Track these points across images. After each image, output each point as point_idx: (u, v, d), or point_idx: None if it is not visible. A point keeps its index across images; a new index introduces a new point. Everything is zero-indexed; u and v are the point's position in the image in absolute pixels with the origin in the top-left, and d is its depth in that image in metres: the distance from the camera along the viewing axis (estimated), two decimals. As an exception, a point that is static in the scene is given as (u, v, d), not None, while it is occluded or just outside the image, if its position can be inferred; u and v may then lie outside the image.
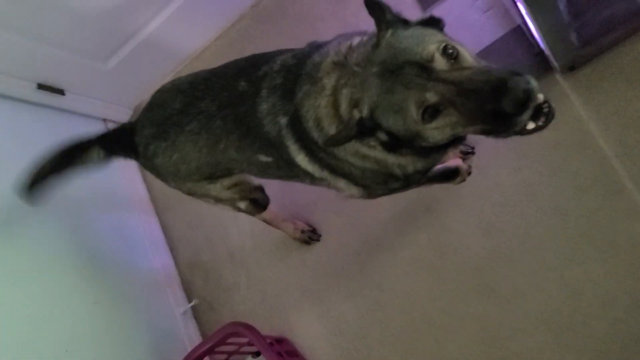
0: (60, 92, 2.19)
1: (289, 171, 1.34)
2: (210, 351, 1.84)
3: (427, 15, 1.06)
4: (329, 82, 1.11)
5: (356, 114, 1.02)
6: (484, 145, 1.71)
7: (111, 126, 2.49)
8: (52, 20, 1.89)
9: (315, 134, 1.16)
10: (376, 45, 1.01)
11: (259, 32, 2.25)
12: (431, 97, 0.90)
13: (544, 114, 0.90)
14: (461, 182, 1.73)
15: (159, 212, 2.43)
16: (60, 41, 2.00)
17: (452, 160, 1.71)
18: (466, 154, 1.73)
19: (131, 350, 1.90)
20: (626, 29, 1.47)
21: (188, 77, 1.44)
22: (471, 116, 0.89)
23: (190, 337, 2.18)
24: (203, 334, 2.22)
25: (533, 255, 1.60)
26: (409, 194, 1.79)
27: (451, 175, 1.68)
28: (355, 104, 1.03)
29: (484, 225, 1.68)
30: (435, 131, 0.96)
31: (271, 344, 1.79)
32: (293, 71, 1.20)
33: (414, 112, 0.93)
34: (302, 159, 1.26)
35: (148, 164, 1.50)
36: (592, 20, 1.35)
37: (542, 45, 1.50)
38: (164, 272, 2.28)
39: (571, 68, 1.58)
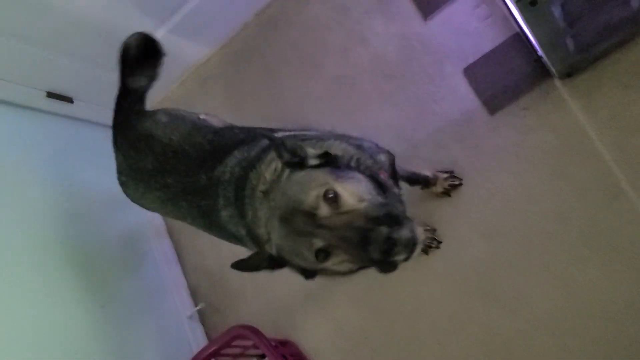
0: (69, 100, 2.23)
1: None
2: (215, 354, 1.86)
3: (321, 151, 1.11)
4: (262, 214, 1.18)
5: (267, 249, 1.12)
6: (484, 149, 1.74)
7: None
8: (61, 30, 1.94)
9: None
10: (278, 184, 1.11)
11: (263, 39, 2.29)
12: (318, 243, 0.97)
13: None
14: (437, 194, 1.78)
15: (165, 218, 2.47)
16: (68, 50, 2.05)
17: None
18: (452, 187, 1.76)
19: (138, 352, 1.93)
20: (622, 35, 1.49)
21: (164, 136, 1.51)
22: (357, 258, 0.96)
23: (197, 340, 2.21)
24: (209, 337, 2.26)
25: (534, 260, 1.62)
26: (410, 200, 1.83)
27: (422, 182, 1.73)
28: (266, 240, 1.14)
29: (485, 230, 1.71)
30: (335, 266, 1.02)
31: (276, 346, 1.82)
32: (239, 185, 1.27)
33: (308, 256, 0.99)
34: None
35: (117, 175, 1.66)
36: (588, 27, 1.37)
37: (539, 52, 1.53)
38: (171, 276, 2.32)
39: (569, 74, 1.61)
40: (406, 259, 0.95)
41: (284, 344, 1.97)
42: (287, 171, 1.09)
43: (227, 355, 1.95)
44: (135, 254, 2.25)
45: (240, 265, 1.12)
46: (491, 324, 1.66)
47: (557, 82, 1.65)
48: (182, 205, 1.44)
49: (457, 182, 1.75)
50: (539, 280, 1.61)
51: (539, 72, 1.66)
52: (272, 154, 1.21)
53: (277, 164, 1.16)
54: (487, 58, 1.76)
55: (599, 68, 1.58)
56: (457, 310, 1.73)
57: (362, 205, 0.98)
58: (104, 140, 2.40)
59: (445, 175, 1.75)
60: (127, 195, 1.65)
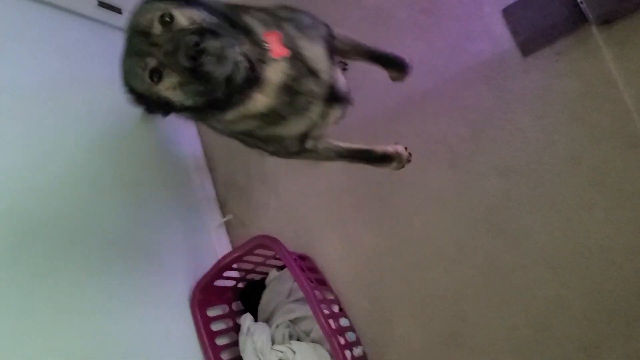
0: (118, 10, 2.33)
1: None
2: (238, 259, 2.04)
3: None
4: None
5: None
6: (512, 90, 1.78)
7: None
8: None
9: None
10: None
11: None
12: (150, 61, 1.01)
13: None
14: (399, 168, 1.84)
15: (201, 133, 2.61)
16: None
17: (390, 145, 1.81)
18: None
19: (168, 253, 2.10)
20: (665, -15, 1.49)
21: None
22: (182, 75, 1.00)
23: (222, 248, 2.39)
24: (233, 246, 2.43)
25: (543, 198, 1.70)
26: (432, 134, 1.90)
27: (378, 160, 1.79)
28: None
29: (501, 167, 1.78)
30: (170, 92, 1.05)
31: (295, 259, 1.97)
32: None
33: (143, 77, 1.03)
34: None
35: None
36: (629, -26, 1.37)
37: (579, -4, 1.53)
38: (203, 188, 2.48)
39: (607, 21, 1.61)
40: (223, 75, 1.00)
41: (302, 257, 2.12)
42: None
43: (249, 262, 2.13)
44: (172, 166, 2.41)
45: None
46: (495, 255, 1.77)
47: (594, 29, 1.65)
48: None
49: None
50: (545, 218, 1.69)
51: (577, 18, 1.66)
52: None
53: None
54: (525, 1, 1.76)
55: (637, 18, 1.58)
56: (465, 240, 1.84)
57: (194, 25, 1.03)
58: None
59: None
60: None
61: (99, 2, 2.22)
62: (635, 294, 1.55)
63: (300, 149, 1.39)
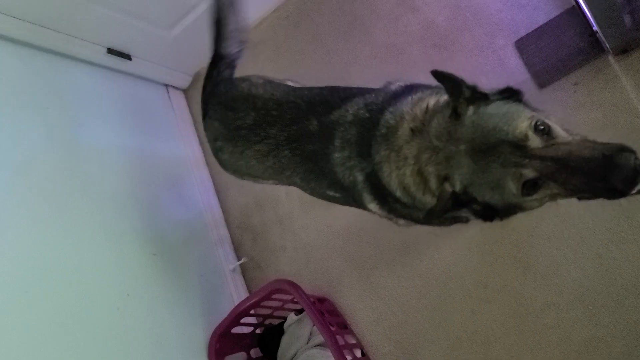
0: (128, 57, 2.34)
1: (354, 205, 1.41)
2: (256, 305, 1.97)
3: (503, 86, 1.07)
4: (410, 152, 1.12)
5: (448, 188, 1.04)
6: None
7: (172, 92, 2.65)
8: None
9: (401, 196, 1.20)
10: (455, 119, 1.03)
11: (314, 4, 2.32)
12: (529, 173, 0.93)
13: None
14: None
15: (213, 175, 2.58)
16: (129, 9, 2.13)
17: None
18: None
19: (184, 299, 2.04)
20: (684, 12, 1.46)
21: (265, 93, 1.50)
22: (575, 189, 0.93)
23: (238, 292, 2.33)
24: (250, 290, 2.38)
25: (572, 233, 1.64)
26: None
27: None
28: (444, 178, 1.06)
29: (525, 202, 1.73)
30: (535, 201, 1.00)
31: (313, 302, 1.91)
32: (366, 127, 1.23)
33: (513, 188, 0.95)
34: (373, 206, 1.32)
35: (210, 144, 1.64)
36: (647, 3, 1.35)
37: (595, 27, 1.51)
38: (217, 231, 2.44)
39: (623, 50, 1.59)
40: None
41: (321, 300, 2.06)
42: (470, 108, 1.03)
43: (267, 307, 2.07)
44: (186, 209, 2.38)
45: (431, 215, 1.08)
46: (524, 294, 1.70)
47: (611, 58, 1.63)
48: (284, 154, 1.41)
49: None
50: (574, 254, 1.63)
51: (593, 47, 1.64)
52: (414, 96, 1.19)
53: (429, 103, 1.14)
54: (540, 31, 1.74)
55: (656, 45, 1.55)
56: (492, 279, 1.77)
57: (577, 138, 0.97)
58: (156, 96, 2.56)
59: None
60: (222, 162, 1.65)
61: (108, 49, 2.22)
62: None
63: None
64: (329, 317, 1.96)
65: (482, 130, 0.98)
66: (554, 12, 1.73)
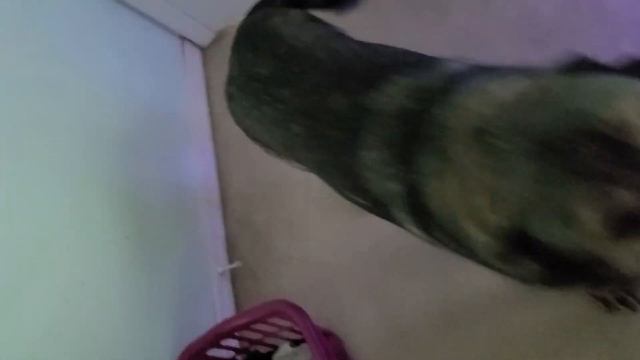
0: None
1: (382, 215, 1.00)
2: (246, 326, 1.55)
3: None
4: (469, 163, 0.69)
5: (494, 221, 0.64)
6: None
7: (188, 48, 2.24)
8: None
9: (445, 223, 0.79)
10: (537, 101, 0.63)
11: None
12: (625, 197, 0.51)
13: None
14: None
15: (217, 152, 2.16)
16: None
17: None
18: None
19: (154, 300, 1.64)
20: None
21: (292, 38, 1.12)
22: None
23: (223, 302, 1.90)
24: (237, 301, 1.94)
25: None
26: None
27: None
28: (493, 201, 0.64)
29: None
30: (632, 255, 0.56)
31: (321, 338, 1.47)
32: (412, 123, 0.82)
33: (588, 220, 0.54)
34: (408, 225, 0.91)
35: (225, 85, 1.29)
36: None
37: None
38: (209, 222, 2.01)
39: None
40: None
41: (327, 335, 1.62)
42: (560, 77, 0.64)
43: (257, 331, 1.62)
44: (178, 187, 1.96)
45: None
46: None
47: None
48: (294, 130, 1.04)
49: None
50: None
51: None
52: (481, 83, 0.76)
53: (503, 97, 0.70)
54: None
55: None
56: (527, 331, 1.33)
57: None
58: (168, 47, 2.15)
59: None
60: (232, 112, 1.31)
61: None
62: None
63: None
64: (334, 358, 1.52)
65: (563, 114, 0.57)
66: None
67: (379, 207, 0.95)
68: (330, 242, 1.79)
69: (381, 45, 1.04)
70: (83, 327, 1.35)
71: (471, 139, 0.69)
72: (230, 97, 1.27)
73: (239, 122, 1.30)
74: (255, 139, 1.30)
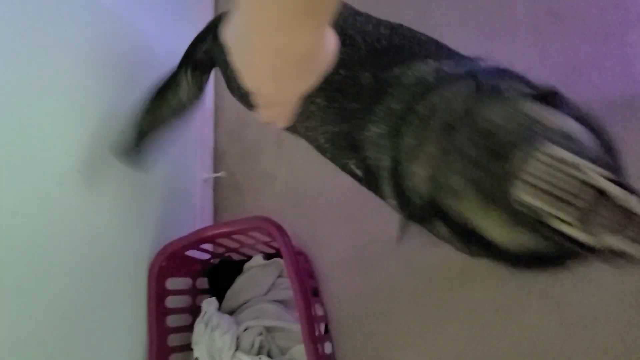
0: None
1: (376, 194, 1.03)
2: (227, 235, 1.62)
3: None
4: (433, 150, 0.79)
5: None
6: None
7: None
8: None
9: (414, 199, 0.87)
10: None
11: None
12: None
13: None
14: None
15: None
16: None
17: None
18: None
19: (142, 193, 1.67)
20: None
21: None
22: None
23: (203, 208, 1.96)
24: (217, 210, 2.01)
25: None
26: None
27: None
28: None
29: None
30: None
31: (297, 256, 1.57)
32: (416, 100, 0.85)
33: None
34: (393, 204, 0.94)
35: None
36: None
37: None
38: (200, 129, 2.01)
39: None
40: None
41: (298, 254, 1.72)
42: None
43: (237, 241, 1.71)
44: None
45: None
46: (543, 340, 1.42)
47: None
48: (315, 101, 1.01)
49: None
50: None
51: None
52: (495, 82, 0.82)
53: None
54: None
55: None
56: (502, 304, 1.48)
57: None
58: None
59: None
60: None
61: None
62: None
63: None
64: (304, 276, 1.64)
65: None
66: None
67: (371, 183, 0.99)
68: (314, 166, 1.84)
69: (418, 35, 1.03)
70: (73, 211, 1.37)
71: (440, 132, 0.78)
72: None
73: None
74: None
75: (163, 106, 1.45)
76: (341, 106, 0.98)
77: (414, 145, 0.82)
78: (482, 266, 1.51)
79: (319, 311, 1.67)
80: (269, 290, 1.77)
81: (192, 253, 1.70)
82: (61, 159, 1.35)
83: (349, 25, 1.02)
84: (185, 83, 1.41)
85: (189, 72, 1.40)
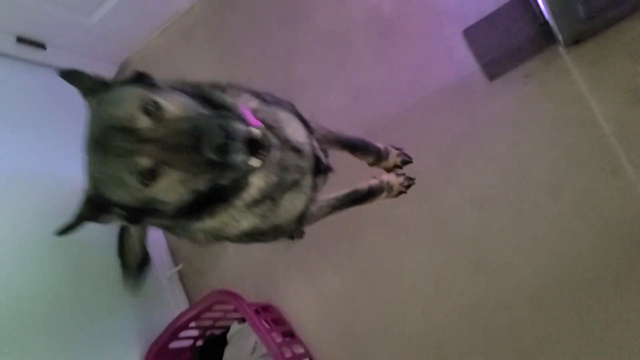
0: (42, 46, 2.08)
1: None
2: (195, 318, 1.83)
3: (131, 73, 0.95)
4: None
5: (86, 192, 0.92)
6: (481, 116, 1.67)
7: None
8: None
9: None
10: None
11: (250, -13, 2.15)
12: (142, 161, 0.81)
13: (264, 148, 0.85)
14: (393, 197, 1.68)
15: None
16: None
17: (373, 178, 1.62)
18: (404, 164, 1.71)
19: (116, 310, 1.87)
20: (633, 3, 1.41)
21: None
22: (189, 170, 0.83)
23: (177, 300, 2.17)
24: (190, 297, 2.22)
25: (524, 230, 1.59)
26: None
27: (367, 197, 1.58)
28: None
29: (477, 199, 1.66)
30: (166, 193, 0.87)
31: (257, 311, 1.78)
32: None
33: (131, 181, 0.83)
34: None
35: None
36: (601, -7, 1.29)
37: (547, 16, 1.44)
38: (151, 235, 2.23)
39: (575, 41, 1.53)
40: (249, 165, 0.84)
41: (265, 308, 1.93)
42: (92, 100, 0.91)
43: (208, 318, 1.92)
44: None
45: (66, 229, 0.92)
46: (477, 295, 1.64)
47: (562, 50, 1.57)
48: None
49: (408, 159, 1.72)
50: (527, 252, 1.58)
51: (544, 38, 1.58)
52: None
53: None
54: (489, 20, 1.66)
55: (606, 37, 1.51)
56: (443, 279, 1.70)
57: (190, 111, 0.86)
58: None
59: (397, 151, 1.70)
60: None
61: (18, 38, 1.97)
62: (626, 330, 1.45)
63: (300, 224, 1.22)
64: (274, 326, 1.85)
65: (98, 120, 0.86)
66: (503, 0, 1.65)
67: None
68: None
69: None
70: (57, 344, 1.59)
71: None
72: None
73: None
74: None
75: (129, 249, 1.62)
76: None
77: None
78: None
79: (298, 349, 1.87)
80: (254, 349, 1.96)
81: (175, 344, 1.90)
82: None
83: None
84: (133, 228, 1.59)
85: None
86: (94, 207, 0.91)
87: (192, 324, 1.89)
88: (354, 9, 1.91)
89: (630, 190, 1.47)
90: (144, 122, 0.82)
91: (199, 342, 2.05)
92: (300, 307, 1.97)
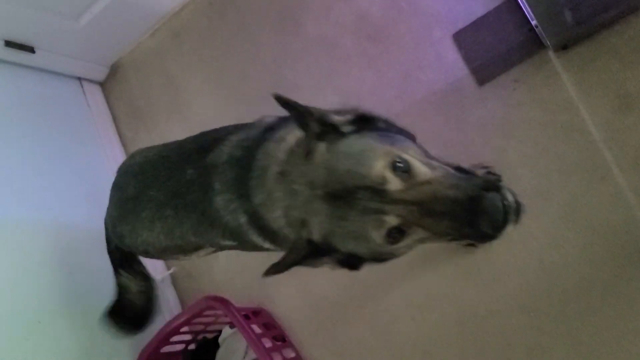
0: (30, 49, 2.08)
1: (256, 249, 1.25)
2: (187, 323, 1.84)
3: (355, 114, 0.94)
4: (278, 196, 1.00)
5: (305, 235, 0.93)
6: (470, 121, 1.66)
7: (87, 86, 2.40)
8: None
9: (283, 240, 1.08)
10: (308, 159, 0.92)
11: (240, -10, 2.13)
12: (392, 220, 0.83)
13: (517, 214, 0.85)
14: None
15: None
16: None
17: None
18: None
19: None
20: (622, 7, 1.39)
21: (140, 157, 1.43)
22: (443, 234, 0.83)
23: (169, 304, 2.18)
24: (182, 300, 2.22)
25: (513, 238, 1.58)
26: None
27: None
28: (301, 224, 0.94)
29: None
30: (404, 248, 0.90)
31: (247, 316, 1.79)
32: (242, 166, 1.10)
33: (376, 237, 0.85)
34: (267, 245, 1.16)
35: (121, 243, 1.47)
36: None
37: (534, 21, 1.42)
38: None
39: (564, 47, 1.51)
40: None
41: (257, 312, 1.93)
42: (321, 145, 0.91)
43: (200, 324, 1.92)
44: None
45: (277, 268, 0.92)
46: (466, 302, 1.64)
47: (551, 54, 1.55)
48: (168, 214, 1.27)
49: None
50: (516, 260, 1.57)
51: (533, 43, 1.56)
52: (281, 132, 1.05)
53: (290, 143, 1.00)
54: (478, 24, 1.65)
55: (596, 41, 1.49)
56: (433, 286, 1.69)
57: (439, 173, 0.86)
58: (68, 92, 2.31)
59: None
60: (130, 248, 1.47)
61: (6, 41, 1.96)
62: (615, 339, 1.44)
63: None
64: (265, 330, 1.84)
65: (336, 174, 0.87)
66: (492, 4, 1.63)
67: (242, 241, 1.20)
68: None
69: (206, 131, 1.33)
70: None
71: (276, 179, 1.00)
72: (122, 236, 1.42)
73: (138, 252, 1.49)
74: (148, 252, 1.44)
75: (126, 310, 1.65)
76: (184, 203, 1.23)
77: (265, 197, 1.04)
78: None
79: (290, 354, 1.87)
80: (246, 353, 1.96)
81: (167, 349, 1.91)
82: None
83: (163, 152, 1.37)
84: (128, 280, 1.63)
85: (123, 271, 1.62)
86: (316, 250, 0.92)
87: (184, 329, 1.89)
88: (343, 13, 1.89)
89: (620, 197, 1.46)
90: (395, 184, 0.83)
91: (191, 346, 2.06)
92: (292, 312, 1.97)
